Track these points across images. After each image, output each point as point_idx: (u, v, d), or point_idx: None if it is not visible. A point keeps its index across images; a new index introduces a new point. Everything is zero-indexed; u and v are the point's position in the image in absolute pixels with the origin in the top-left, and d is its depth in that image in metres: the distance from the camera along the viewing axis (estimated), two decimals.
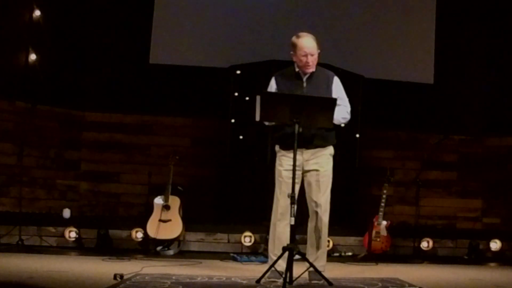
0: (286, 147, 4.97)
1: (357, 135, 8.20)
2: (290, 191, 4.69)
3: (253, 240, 6.95)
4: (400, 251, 7.32)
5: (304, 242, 5.15)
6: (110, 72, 8.69)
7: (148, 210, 6.95)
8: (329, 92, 5.03)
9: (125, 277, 4.66)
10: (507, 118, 8.91)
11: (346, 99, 5.13)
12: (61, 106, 8.38)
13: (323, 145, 5.04)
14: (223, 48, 8.67)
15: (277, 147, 5.13)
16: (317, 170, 5.00)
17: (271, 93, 5.02)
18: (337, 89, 5.09)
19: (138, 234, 6.92)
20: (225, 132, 8.23)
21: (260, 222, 7.26)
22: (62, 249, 6.72)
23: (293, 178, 4.71)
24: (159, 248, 6.71)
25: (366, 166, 8.52)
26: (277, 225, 5.01)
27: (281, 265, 4.71)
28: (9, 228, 6.66)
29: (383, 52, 8.96)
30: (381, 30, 8.99)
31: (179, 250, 6.81)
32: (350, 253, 7.13)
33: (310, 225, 5.07)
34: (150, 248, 6.65)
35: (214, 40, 8.74)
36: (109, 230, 6.92)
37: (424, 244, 7.35)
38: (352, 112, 5.18)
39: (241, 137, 8.00)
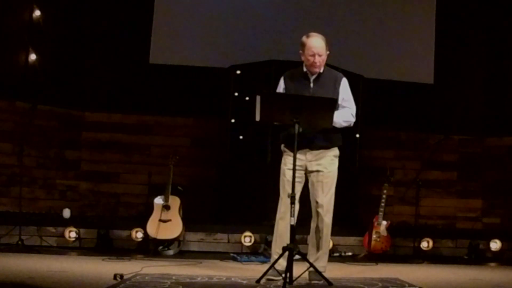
0: (290, 146, 4.97)
1: (357, 135, 8.20)
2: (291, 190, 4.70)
3: (253, 240, 6.95)
4: (400, 251, 7.32)
5: (304, 242, 5.15)
6: (110, 72, 8.69)
7: (148, 210, 6.94)
8: (336, 93, 5.01)
9: (125, 277, 4.66)
10: (507, 118, 8.92)
11: (352, 101, 5.10)
12: (61, 106, 8.39)
13: (327, 147, 5.03)
14: (223, 48, 8.68)
15: (282, 146, 5.14)
16: (320, 171, 5.00)
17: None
18: (344, 91, 5.07)
19: (138, 234, 6.91)
20: (225, 132, 8.23)
21: (260, 222, 7.27)
22: (62, 249, 6.71)
23: (293, 178, 4.71)
24: (159, 248, 6.70)
25: (366, 166, 8.52)
26: (279, 223, 5.02)
27: (282, 264, 4.73)
28: (9, 228, 6.65)
29: (383, 52, 8.96)
30: (381, 30, 9.00)
31: (179, 250, 6.80)
32: (350, 253, 7.12)
33: (312, 225, 5.08)
34: (150, 248, 6.64)
35: (214, 40, 8.75)
36: (109, 230, 6.92)
37: (424, 244, 7.35)
38: None
39: (241, 137, 8.00)
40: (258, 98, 4.74)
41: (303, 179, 5.04)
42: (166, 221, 6.66)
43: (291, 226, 4.65)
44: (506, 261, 7.04)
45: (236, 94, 8.07)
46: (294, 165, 4.72)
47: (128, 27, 8.72)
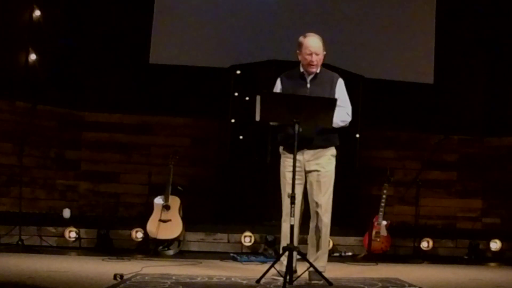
0: (288, 148, 4.97)
1: (357, 135, 8.20)
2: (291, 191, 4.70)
3: (253, 240, 6.94)
4: (400, 251, 7.32)
5: (304, 242, 5.15)
6: (110, 72, 8.69)
7: (148, 210, 6.94)
8: (332, 93, 5.04)
9: (125, 277, 4.66)
10: (507, 118, 8.91)
11: (347, 101, 5.13)
12: (61, 106, 8.39)
13: (325, 146, 5.04)
14: (223, 48, 8.68)
15: (281, 149, 5.15)
16: (318, 171, 5.01)
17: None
18: (340, 91, 5.10)
19: (138, 234, 6.91)
20: (225, 132, 8.23)
21: (260, 222, 7.27)
22: (62, 249, 6.71)
23: (293, 178, 4.71)
24: (159, 248, 6.70)
25: (366, 166, 8.52)
26: (283, 225, 5.05)
27: (285, 264, 4.73)
28: (9, 228, 6.66)
29: (383, 52, 8.96)
30: (381, 30, 8.99)
31: (179, 250, 6.80)
32: (350, 253, 7.12)
33: (311, 225, 5.09)
34: (150, 248, 6.64)
35: (214, 40, 8.75)
36: (109, 230, 6.92)
37: (424, 244, 7.35)
38: (352, 112, 5.18)
39: (241, 137, 8.00)
40: (258, 98, 4.74)
41: (303, 180, 5.05)
42: (166, 221, 6.66)
43: (291, 226, 4.66)
44: (506, 261, 7.04)
45: (236, 94, 8.07)
46: (294, 165, 4.72)
47: (128, 27, 8.71)
